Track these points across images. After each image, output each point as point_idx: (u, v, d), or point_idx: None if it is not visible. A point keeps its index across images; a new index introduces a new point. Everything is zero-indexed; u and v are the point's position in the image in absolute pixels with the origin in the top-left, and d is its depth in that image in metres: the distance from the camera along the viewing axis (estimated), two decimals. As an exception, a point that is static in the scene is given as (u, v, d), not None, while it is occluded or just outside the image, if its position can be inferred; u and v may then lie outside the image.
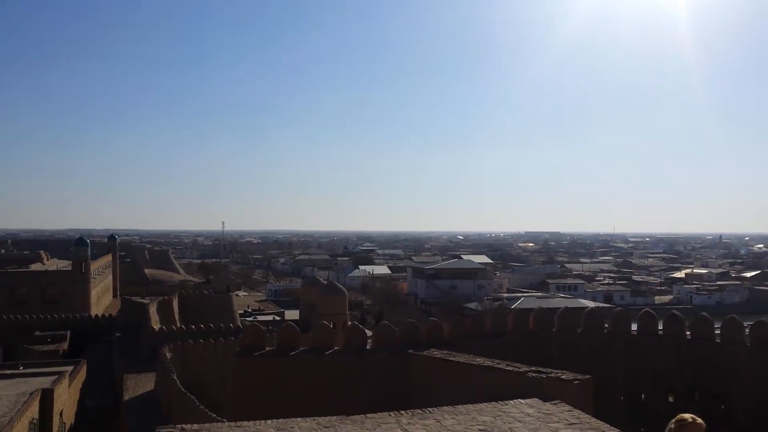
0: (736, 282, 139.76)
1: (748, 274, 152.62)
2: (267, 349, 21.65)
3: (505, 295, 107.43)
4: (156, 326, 47.59)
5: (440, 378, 21.57)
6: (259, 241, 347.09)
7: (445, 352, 22.15)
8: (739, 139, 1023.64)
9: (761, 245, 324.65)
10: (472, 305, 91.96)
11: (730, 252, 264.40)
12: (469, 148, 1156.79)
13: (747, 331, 26.38)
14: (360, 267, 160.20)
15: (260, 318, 74.42)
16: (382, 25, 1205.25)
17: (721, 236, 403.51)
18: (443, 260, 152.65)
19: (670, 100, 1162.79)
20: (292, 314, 74.34)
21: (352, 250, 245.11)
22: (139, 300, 60.86)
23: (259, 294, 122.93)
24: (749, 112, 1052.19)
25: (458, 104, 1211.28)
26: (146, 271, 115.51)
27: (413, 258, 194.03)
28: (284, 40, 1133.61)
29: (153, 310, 52.78)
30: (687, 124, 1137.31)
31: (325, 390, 21.63)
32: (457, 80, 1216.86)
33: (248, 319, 69.53)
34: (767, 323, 26.73)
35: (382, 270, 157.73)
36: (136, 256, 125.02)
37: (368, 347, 23.29)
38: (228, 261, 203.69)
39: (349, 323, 34.57)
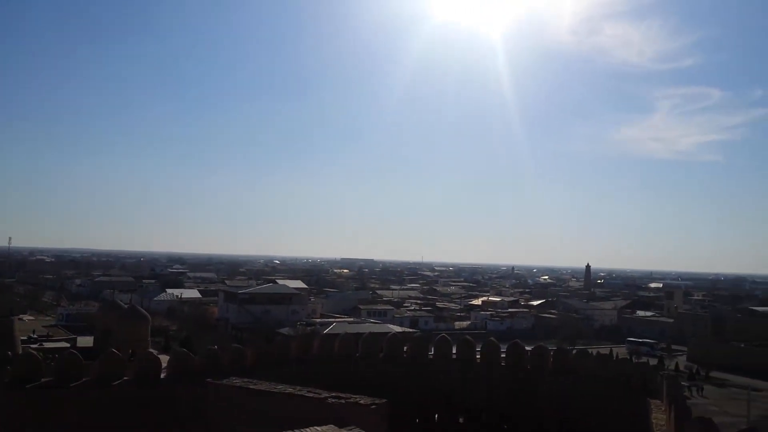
0: (524, 310, 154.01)
1: (535, 303, 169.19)
2: (43, 380, 19.41)
3: (318, 320, 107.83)
4: None
5: (240, 407, 20.88)
6: (53, 259, 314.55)
7: (245, 380, 21.50)
8: (533, 180, 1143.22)
9: (546, 276, 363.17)
10: (285, 330, 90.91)
11: (521, 282, 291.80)
12: (290, 172, 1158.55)
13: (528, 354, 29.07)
14: (167, 290, 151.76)
15: (47, 345, 67.06)
16: (199, 36, 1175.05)
17: (513, 268, 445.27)
18: (258, 284, 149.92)
19: (481, 142, 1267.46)
20: (85, 341, 68.00)
21: (159, 273, 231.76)
22: None
23: (48, 318, 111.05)
24: (546, 156, 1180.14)
25: (281, 126, 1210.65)
26: None
27: (226, 282, 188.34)
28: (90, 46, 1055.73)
29: None
30: (486, 166, 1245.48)
31: (112, 425, 19.92)
32: (282, 102, 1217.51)
33: (33, 346, 62.35)
34: (545, 348, 29.68)
35: (192, 294, 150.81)
36: None
37: (163, 376, 21.89)
38: (13, 281, 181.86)
39: (147, 351, 32.35)
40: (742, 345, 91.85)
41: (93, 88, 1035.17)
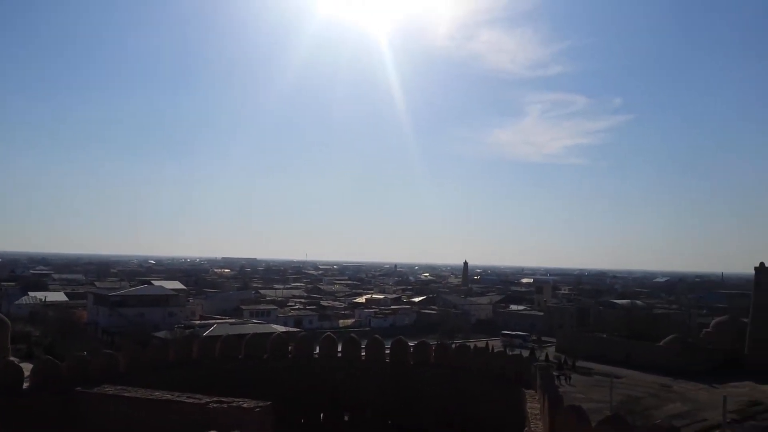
0: (407, 306, 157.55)
1: (417, 299, 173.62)
2: None
3: (198, 322, 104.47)
4: None
5: (114, 416, 19.70)
6: None
7: (119, 387, 20.33)
8: (414, 179, 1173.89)
9: (427, 274, 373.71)
10: (162, 334, 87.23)
11: (403, 279, 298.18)
12: (168, 167, 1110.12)
13: (411, 350, 29.65)
14: (29, 293, 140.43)
15: None
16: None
17: (395, 265, 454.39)
18: (131, 286, 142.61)
19: (364, 141, 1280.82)
20: (-70, 351, 61.24)
21: (20, 274, 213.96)
22: None
23: None
24: (426, 156, 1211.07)
25: (160, 121, 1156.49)
26: None
27: (96, 284, 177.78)
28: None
29: None
30: (370, 164, 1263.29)
31: (-36, 442, 18.05)
32: (163, 96, 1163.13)
33: None
34: (427, 343, 30.41)
35: (57, 296, 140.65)
36: None
37: (26, 387, 20.17)
38: None
39: (7, 359, 29.67)
40: (604, 335, 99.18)
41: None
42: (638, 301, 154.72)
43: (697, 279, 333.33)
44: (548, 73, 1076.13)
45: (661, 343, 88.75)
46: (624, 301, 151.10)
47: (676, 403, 64.51)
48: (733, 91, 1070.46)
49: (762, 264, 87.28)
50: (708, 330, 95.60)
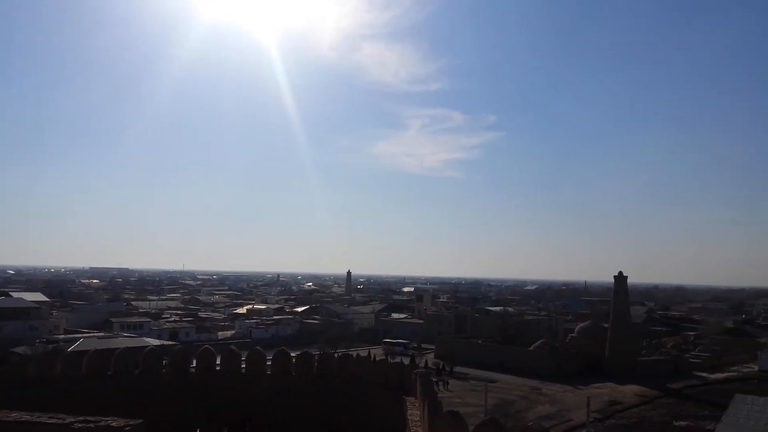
0: (289, 316, 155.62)
1: (299, 309, 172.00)
2: None
3: (62, 336, 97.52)
4: None
5: (-39, 442, 17.84)
6: None
7: (-31, 409, 18.44)
8: (297, 188, 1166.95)
9: (311, 283, 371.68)
10: (21, 349, 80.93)
11: (286, 289, 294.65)
12: (29, 170, 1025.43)
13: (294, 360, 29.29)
14: None
15: None
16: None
17: (279, 275, 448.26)
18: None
19: (246, 147, 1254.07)
20: None
21: None
22: None
23: None
24: (309, 165, 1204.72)
25: (21, 118, 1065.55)
26: None
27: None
28: None
29: None
30: (251, 172, 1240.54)
31: None
32: (30, 96, 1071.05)
33: None
34: (310, 353, 30.19)
35: None
36: None
37: None
38: None
39: None
40: (479, 341, 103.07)
41: None
42: (510, 308, 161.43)
43: (563, 287, 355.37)
44: (428, 88, 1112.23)
45: (531, 348, 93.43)
46: (497, 308, 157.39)
47: (545, 404, 68.03)
48: (598, 110, 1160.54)
49: (620, 273, 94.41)
50: (573, 335, 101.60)
